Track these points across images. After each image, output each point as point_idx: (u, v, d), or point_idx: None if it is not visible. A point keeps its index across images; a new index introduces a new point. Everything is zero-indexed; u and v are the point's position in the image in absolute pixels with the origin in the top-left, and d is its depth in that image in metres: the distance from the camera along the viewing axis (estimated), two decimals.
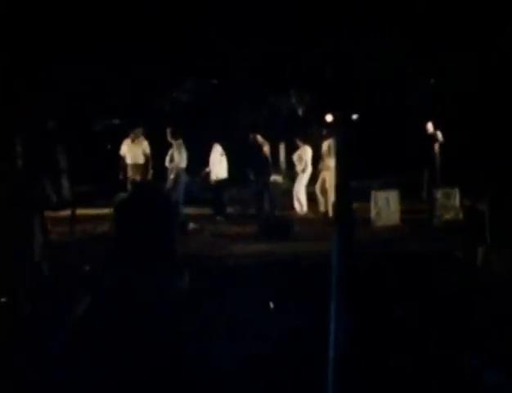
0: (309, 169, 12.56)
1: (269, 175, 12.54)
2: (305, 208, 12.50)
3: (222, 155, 12.45)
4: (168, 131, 11.95)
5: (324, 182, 11.94)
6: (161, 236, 6.74)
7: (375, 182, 15.85)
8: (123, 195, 6.74)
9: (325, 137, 12.18)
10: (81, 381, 4.54)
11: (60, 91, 14.22)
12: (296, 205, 12.52)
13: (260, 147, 12.12)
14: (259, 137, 12.22)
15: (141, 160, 12.71)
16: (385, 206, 10.63)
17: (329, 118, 11.96)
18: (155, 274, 6.73)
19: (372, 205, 10.69)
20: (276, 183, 13.07)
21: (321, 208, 12.06)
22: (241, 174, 12.66)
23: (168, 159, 11.44)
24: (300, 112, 15.91)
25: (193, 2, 13.59)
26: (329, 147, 11.83)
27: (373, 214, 10.67)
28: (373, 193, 10.72)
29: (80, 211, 11.27)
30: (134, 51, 13.72)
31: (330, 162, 11.42)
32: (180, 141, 11.79)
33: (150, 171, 12.67)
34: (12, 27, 12.58)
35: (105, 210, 11.86)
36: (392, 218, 10.66)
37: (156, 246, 6.72)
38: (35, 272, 7.17)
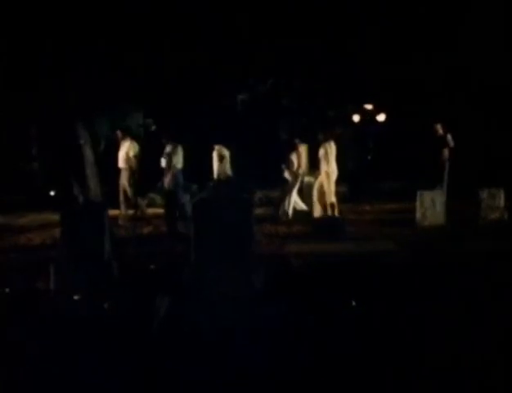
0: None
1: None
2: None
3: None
4: (164, 132, 11.70)
5: (321, 186, 11.97)
6: (240, 235, 6.68)
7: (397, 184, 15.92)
8: (202, 194, 6.69)
9: (322, 141, 12.03)
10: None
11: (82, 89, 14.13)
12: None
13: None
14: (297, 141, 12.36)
15: (121, 163, 12.28)
16: (431, 207, 10.67)
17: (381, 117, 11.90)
18: (235, 273, 6.68)
19: (418, 205, 10.72)
20: (310, 184, 13.00)
21: (316, 213, 11.98)
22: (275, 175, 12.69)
23: (164, 160, 11.06)
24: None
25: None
26: (325, 151, 11.79)
27: (418, 214, 10.71)
28: (419, 194, 10.76)
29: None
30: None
31: (326, 167, 11.60)
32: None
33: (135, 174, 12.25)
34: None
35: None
36: (437, 218, 10.70)
37: (235, 245, 6.66)
38: (106, 271, 7.12)
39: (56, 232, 11.03)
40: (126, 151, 12.25)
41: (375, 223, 11.44)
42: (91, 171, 14.48)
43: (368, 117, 16.20)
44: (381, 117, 16.26)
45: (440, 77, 15.33)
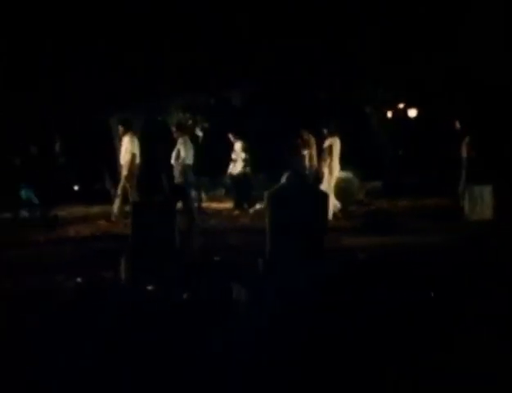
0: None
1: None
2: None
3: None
4: (174, 127, 11.52)
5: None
6: (314, 226, 6.65)
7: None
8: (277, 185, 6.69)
9: (328, 136, 11.87)
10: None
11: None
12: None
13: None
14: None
15: (122, 160, 11.75)
16: (480, 201, 10.65)
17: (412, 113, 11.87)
18: (306, 261, 6.65)
19: (466, 199, 10.70)
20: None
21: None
22: None
23: (173, 155, 10.80)
24: None
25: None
26: (330, 146, 11.74)
27: (467, 208, 10.69)
28: (467, 188, 10.75)
29: None
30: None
31: (330, 162, 11.54)
32: (186, 137, 11.13)
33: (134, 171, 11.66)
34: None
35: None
36: (486, 212, 10.67)
37: (306, 234, 6.63)
38: (177, 261, 7.08)
39: (100, 224, 11.11)
40: (125, 146, 11.67)
41: (420, 217, 11.36)
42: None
43: (401, 114, 16.20)
44: (412, 112, 16.24)
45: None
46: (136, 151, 11.65)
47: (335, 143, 11.74)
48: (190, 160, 10.73)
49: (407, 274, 6.89)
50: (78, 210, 13.10)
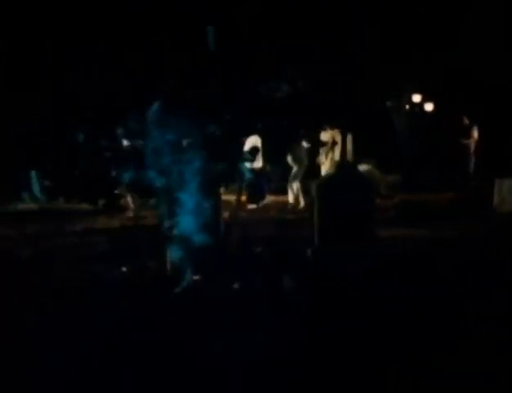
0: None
1: None
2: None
3: None
4: None
5: None
6: (364, 216, 6.66)
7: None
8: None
9: (329, 128, 12.06)
10: None
11: None
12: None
13: None
14: None
15: None
16: (509, 193, 10.68)
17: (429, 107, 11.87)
18: (356, 248, 6.65)
19: (496, 192, 10.74)
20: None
21: None
22: None
23: None
24: None
25: None
26: (333, 138, 11.73)
27: (496, 200, 10.74)
28: (497, 181, 10.80)
29: None
30: None
31: (332, 155, 11.66)
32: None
33: None
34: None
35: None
36: None
37: (357, 222, 6.64)
38: (222, 251, 6.99)
39: (127, 216, 11.02)
40: None
41: (447, 210, 11.25)
42: None
43: (417, 108, 16.14)
44: (429, 106, 16.22)
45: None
46: None
47: (338, 136, 11.90)
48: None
49: (449, 265, 6.89)
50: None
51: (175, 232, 6.47)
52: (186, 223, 6.67)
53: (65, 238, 9.00)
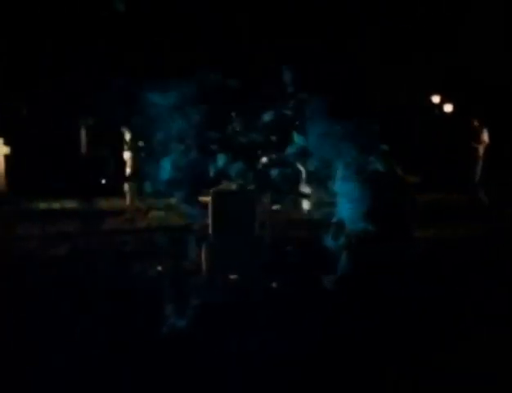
0: None
1: None
2: None
3: None
4: None
5: None
6: (404, 215, 6.71)
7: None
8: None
9: None
10: None
11: None
12: None
13: None
14: None
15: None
16: None
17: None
18: (395, 242, 6.66)
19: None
20: None
21: None
22: None
23: None
24: None
25: None
26: None
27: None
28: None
29: None
30: None
31: None
32: None
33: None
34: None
35: None
36: None
37: (394, 218, 6.54)
38: (258, 250, 6.94)
39: (150, 215, 10.81)
40: None
41: (474, 210, 11.57)
42: None
43: (436, 109, 16.50)
44: (448, 108, 16.54)
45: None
46: None
47: None
48: None
49: (448, 268, 7.06)
50: (117, 202, 12.44)
51: (334, 220, 6.52)
52: (347, 211, 6.70)
53: (95, 238, 9.00)
